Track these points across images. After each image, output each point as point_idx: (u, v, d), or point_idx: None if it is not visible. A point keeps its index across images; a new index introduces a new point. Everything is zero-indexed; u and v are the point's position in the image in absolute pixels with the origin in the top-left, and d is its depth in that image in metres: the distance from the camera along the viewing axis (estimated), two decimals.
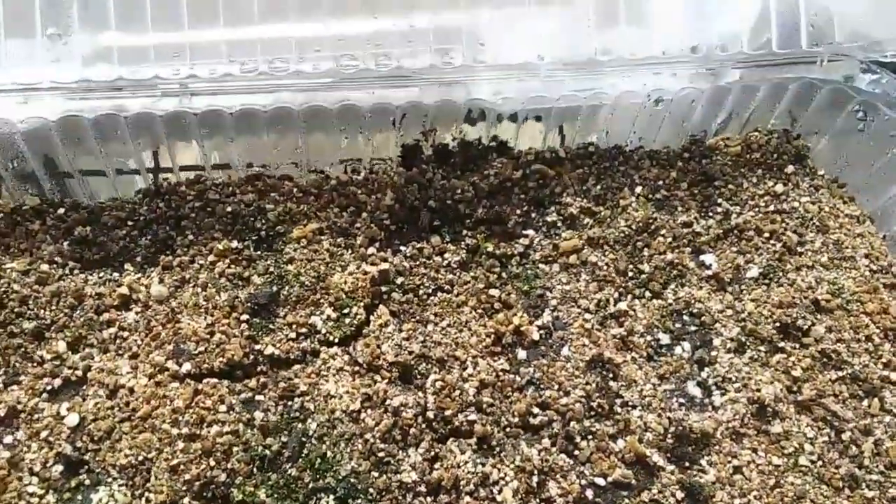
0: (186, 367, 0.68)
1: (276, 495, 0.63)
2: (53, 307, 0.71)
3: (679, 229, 0.83)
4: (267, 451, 0.65)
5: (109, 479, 0.62)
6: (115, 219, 0.78)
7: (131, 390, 0.67)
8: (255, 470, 0.64)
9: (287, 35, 0.74)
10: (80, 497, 0.62)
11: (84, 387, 0.68)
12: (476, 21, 0.78)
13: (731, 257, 0.83)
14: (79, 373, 0.68)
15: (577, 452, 0.69)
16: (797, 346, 0.78)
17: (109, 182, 0.83)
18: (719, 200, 0.86)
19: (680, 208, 0.86)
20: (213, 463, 0.63)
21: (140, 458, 0.63)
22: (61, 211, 0.78)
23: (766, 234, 0.84)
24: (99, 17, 0.72)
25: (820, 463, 0.71)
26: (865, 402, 0.74)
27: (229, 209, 0.78)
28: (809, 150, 0.91)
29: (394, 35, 0.76)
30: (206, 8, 0.73)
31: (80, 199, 0.81)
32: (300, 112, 0.77)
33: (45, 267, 0.73)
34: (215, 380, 0.68)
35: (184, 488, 0.62)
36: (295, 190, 0.81)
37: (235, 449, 0.64)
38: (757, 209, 0.86)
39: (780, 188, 0.87)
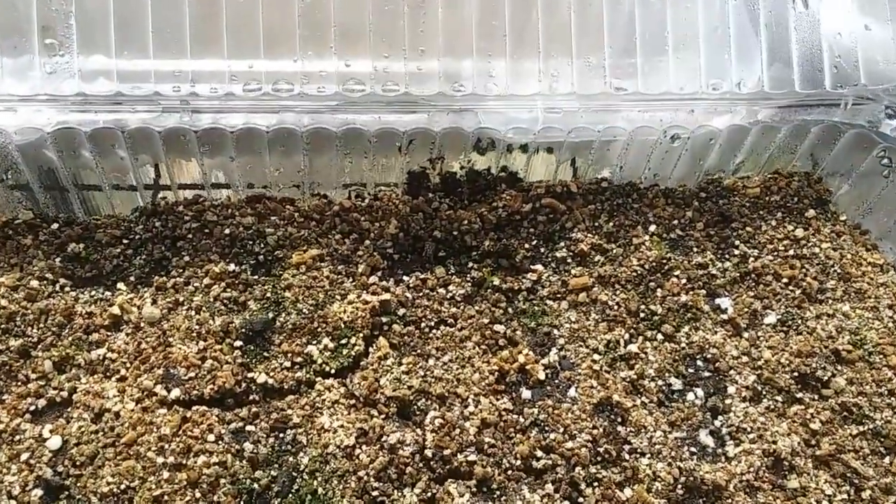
0: (175, 392, 0.69)
1: None
2: (41, 325, 0.72)
3: (694, 271, 0.84)
4: (255, 485, 0.65)
5: None
6: (110, 236, 0.79)
7: (117, 415, 0.67)
8: None
9: (292, 63, 0.77)
10: None
11: (69, 409, 0.68)
12: (489, 55, 0.80)
13: (747, 302, 0.83)
14: (64, 394, 0.69)
15: (581, 500, 0.69)
16: (816, 397, 0.78)
17: (106, 197, 0.85)
18: (736, 242, 0.87)
19: (695, 249, 0.87)
20: (198, 495, 0.63)
21: (123, 486, 0.63)
22: (55, 226, 0.79)
23: (785, 280, 0.85)
24: (99, 41, 0.75)
25: None
26: (887, 460, 0.74)
27: (227, 231, 0.79)
28: (831, 194, 0.92)
29: (402, 68, 0.79)
30: (209, 36, 0.76)
31: (75, 214, 0.82)
32: (303, 133, 0.78)
33: (34, 283, 0.74)
34: (205, 408, 0.68)
35: None
36: (296, 214, 0.82)
37: (223, 481, 0.64)
38: (776, 253, 0.87)
39: (800, 232, 0.88)
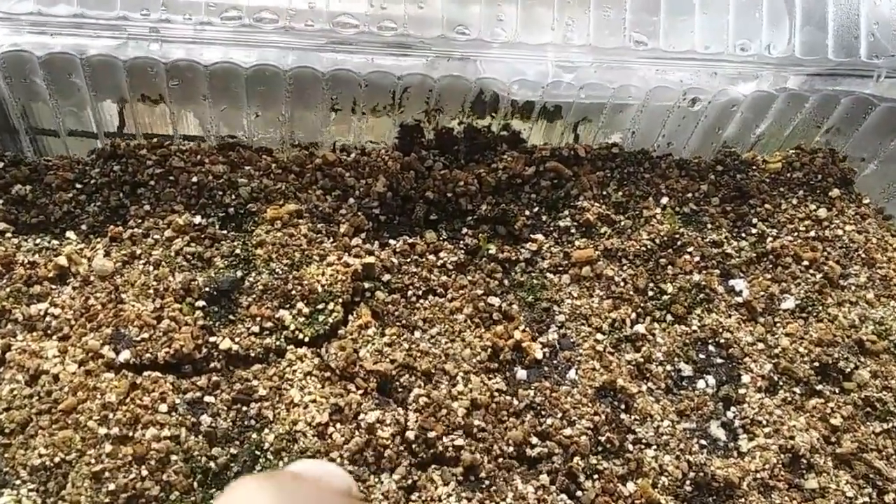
0: (125, 355, 0.60)
1: None
2: None
3: (708, 248, 0.77)
4: (212, 464, 0.57)
5: (17, 482, 0.54)
6: (62, 179, 0.70)
7: (56, 378, 0.59)
8: (195, 485, 0.56)
9: None
10: None
11: (1, 369, 0.59)
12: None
13: (764, 284, 0.76)
14: None
15: (579, 493, 0.62)
16: (837, 390, 0.71)
17: (62, 143, 0.76)
18: (754, 221, 0.80)
19: (710, 225, 0.79)
20: (144, 472, 0.55)
21: (57, 459, 0.55)
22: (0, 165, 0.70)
23: (806, 263, 0.78)
24: None
25: None
26: None
27: (195, 179, 0.70)
28: (856, 174, 0.85)
29: (402, 9, 0.70)
30: None
31: (24, 154, 0.73)
32: (286, 74, 0.70)
33: None
34: (158, 374, 0.60)
35: (106, 500, 0.53)
36: (273, 165, 0.73)
37: (174, 458, 0.56)
38: (796, 234, 0.80)
39: (822, 213, 0.81)
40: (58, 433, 0.56)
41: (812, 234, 0.80)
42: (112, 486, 0.54)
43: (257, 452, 0.58)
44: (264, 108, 0.74)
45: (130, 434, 0.56)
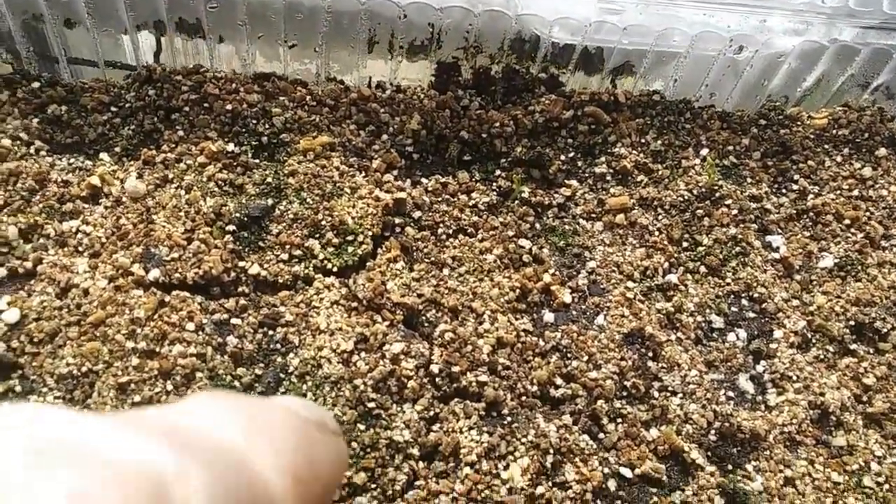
0: (154, 273, 0.61)
1: None
2: (9, 187, 0.63)
3: (746, 202, 0.75)
4: (236, 383, 0.57)
5: (45, 389, 0.55)
6: (97, 102, 0.70)
7: (86, 292, 0.59)
8: None
9: None
10: (6, 405, 0.54)
11: (32, 281, 0.60)
12: None
13: (802, 242, 0.74)
14: (28, 264, 0.60)
15: (602, 435, 0.61)
16: (872, 350, 0.69)
17: (100, 71, 0.75)
18: (796, 177, 0.78)
19: (750, 179, 0.77)
20: (169, 387, 0.55)
21: (84, 368, 0.55)
22: (36, 85, 0.70)
23: (847, 221, 0.76)
24: None
25: (887, 487, 0.63)
26: None
27: (229, 107, 0.70)
28: None
29: None
30: None
31: (60, 75, 0.73)
32: (325, 3, 0.69)
33: (6, 142, 0.66)
34: (186, 293, 0.60)
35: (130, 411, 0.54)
36: (308, 98, 0.73)
37: (199, 375, 0.57)
38: (839, 192, 0.78)
39: (867, 172, 0.78)
40: (86, 344, 0.56)
41: (855, 193, 0.78)
42: (137, 398, 0.54)
43: (282, 375, 0.58)
44: (301, 38, 0.73)
45: (157, 349, 0.57)
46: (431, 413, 0.59)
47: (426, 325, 0.64)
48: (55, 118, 0.69)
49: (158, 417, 0.28)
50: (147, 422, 0.26)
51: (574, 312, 0.68)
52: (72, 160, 0.68)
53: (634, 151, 0.76)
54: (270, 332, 0.60)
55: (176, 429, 0.26)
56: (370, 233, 0.67)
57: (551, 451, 0.59)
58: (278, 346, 0.60)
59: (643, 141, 0.77)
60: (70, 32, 0.73)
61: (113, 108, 0.70)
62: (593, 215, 0.74)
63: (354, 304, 0.63)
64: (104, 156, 0.68)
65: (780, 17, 0.74)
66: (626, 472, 0.60)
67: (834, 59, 0.78)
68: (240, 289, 0.63)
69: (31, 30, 0.71)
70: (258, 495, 0.26)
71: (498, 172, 0.74)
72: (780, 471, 0.62)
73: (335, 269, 0.65)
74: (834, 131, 0.80)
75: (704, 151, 0.77)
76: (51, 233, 0.62)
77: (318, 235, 0.66)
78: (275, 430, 0.29)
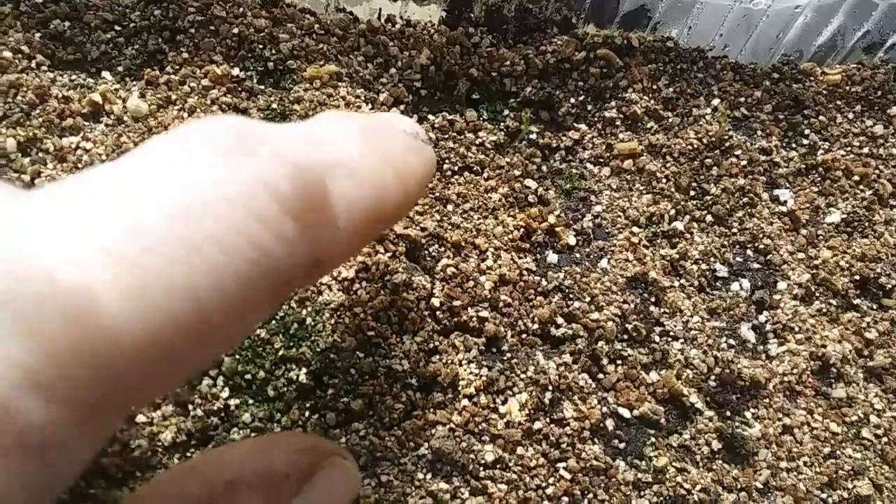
0: None
1: (237, 356, 0.54)
2: (8, 100, 0.62)
3: (756, 154, 0.74)
4: None
5: None
6: (101, 20, 0.68)
7: None
8: None
9: None
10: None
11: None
12: None
13: (810, 196, 0.73)
14: (26, 178, 0.59)
15: (601, 376, 0.61)
16: (875, 306, 0.69)
17: None
18: (806, 132, 0.77)
19: (760, 132, 0.76)
20: None
21: None
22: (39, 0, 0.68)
23: (856, 178, 0.75)
24: None
25: (885, 439, 0.62)
26: None
27: (236, 31, 0.68)
28: None
29: None
30: None
31: None
32: None
33: (7, 54, 0.64)
34: None
35: None
36: (316, 26, 0.71)
37: None
38: (849, 148, 0.76)
39: (879, 129, 0.77)
40: None
41: (866, 150, 0.76)
42: None
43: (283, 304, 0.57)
44: None
45: None
46: (431, 345, 0.58)
47: (428, 258, 0.63)
48: (58, 34, 0.67)
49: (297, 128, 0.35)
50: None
51: (578, 255, 0.67)
52: (73, 77, 0.66)
53: (645, 97, 0.74)
54: None
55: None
56: None
57: (550, 387, 0.58)
58: None
59: (655, 87, 0.75)
60: None
61: (117, 27, 0.68)
62: (601, 160, 0.72)
63: None
64: (106, 74, 0.67)
65: None
66: (625, 413, 0.59)
67: (851, 14, 0.76)
68: None
69: None
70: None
71: (506, 112, 0.73)
72: (779, 419, 0.62)
73: None
74: (847, 88, 0.79)
75: (716, 101, 0.76)
76: (50, 147, 0.61)
77: None
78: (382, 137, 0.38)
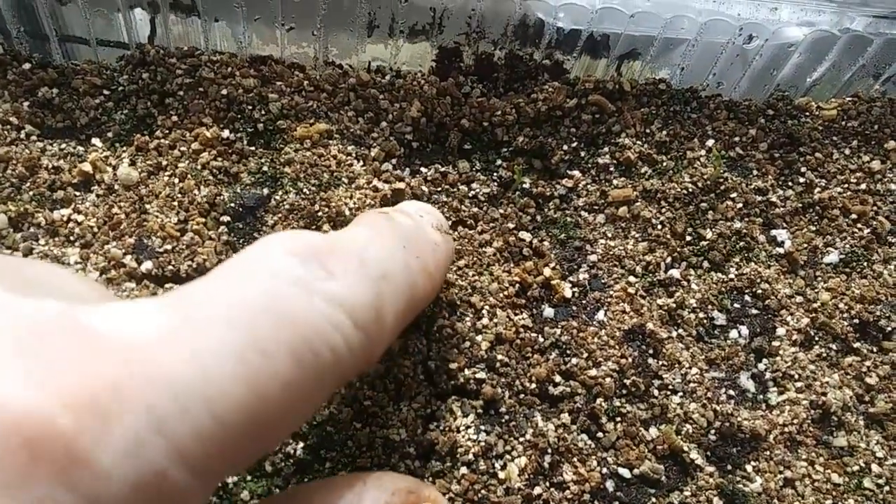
0: (147, 265, 0.59)
1: None
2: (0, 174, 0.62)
3: (752, 195, 0.74)
4: None
5: None
6: (90, 85, 0.68)
7: None
8: None
9: None
10: None
11: None
12: None
13: (807, 237, 0.73)
14: (18, 255, 0.59)
15: (600, 435, 0.61)
16: (875, 349, 0.69)
17: (92, 50, 0.74)
18: (802, 169, 0.76)
19: (756, 172, 0.76)
20: None
21: None
22: (27, 66, 0.68)
23: (854, 216, 0.74)
24: None
25: (888, 489, 0.62)
26: None
27: (225, 92, 0.68)
28: None
29: None
30: None
31: (52, 57, 0.71)
32: None
33: None
34: (180, 286, 0.59)
35: None
36: (306, 83, 0.71)
37: None
38: (846, 185, 0.76)
39: (876, 165, 0.77)
40: None
41: (863, 186, 0.76)
42: None
43: None
44: (299, 21, 0.71)
45: None
46: (428, 411, 0.59)
47: (423, 319, 0.63)
48: (46, 101, 0.67)
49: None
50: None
51: (574, 308, 0.67)
52: (63, 146, 0.66)
53: (639, 142, 0.74)
54: None
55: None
56: None
57: (549, 450, 0.58)
58: None
59: (648, 131, 0.75)
60: (62, 10, 0.71)
61: (105, 92, 0.69)
62: (595, 207, 0.72)
63: None
64: (96, 141, 0.67)
65: (791, 5, 0.72)
66: (625, 473, 0.59)
67: (846, 49, 0.76)
68: None
69: (23, 8, 0.69)
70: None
71: (499, 162, 0.73)
72: (780, 472, 0.62)
73: None
74: (843, 122, 0.79)
75: (710, 142, 0.76)
76: (41, 221, 0.61)
77: (314, 227, 0.64)
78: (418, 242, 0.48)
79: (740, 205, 0.73)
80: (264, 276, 0.35)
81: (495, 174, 0.72)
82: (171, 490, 0.29)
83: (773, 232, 0.74)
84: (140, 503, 0.28)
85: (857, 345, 0.68)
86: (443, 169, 0.71)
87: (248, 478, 0.54)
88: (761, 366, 0.67)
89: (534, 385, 0.61)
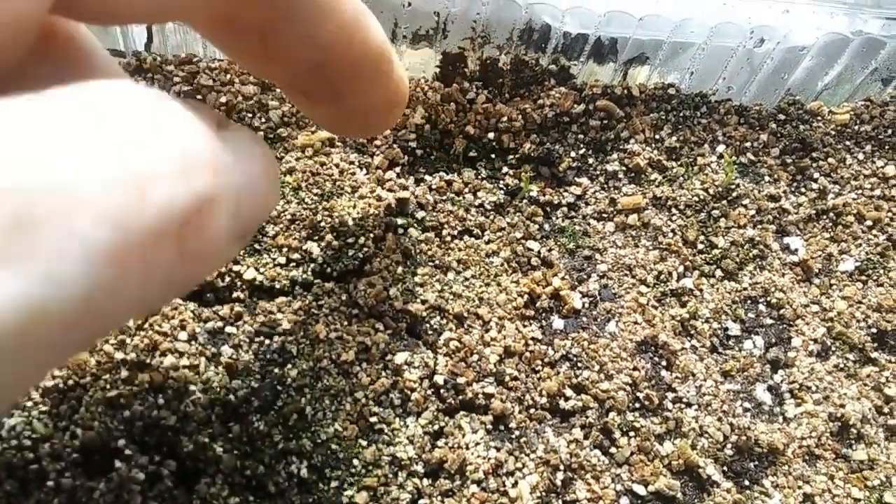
0: None
1: (235, 452, 0.53)
2: None
3: (764, 202, 0.73)
4: (231, 397, 0.55)
5: (29, 404, 0.52)
6: None
7: None
8: (213, 417, 0.54)
9: None
10: None
11: None
12: None
13: (822, 244, 0.72)
14: None
15: (613, 450, 0.59)
16: (894, 359, 0.67)
17: None
18: (815, 175, 0.75)
19: (768, 178, 0.75)
20: (161, 401, 0.53)
21: (71, 382, 0.53)
22: None
23: (869, 223, 0.73)
24: None
25: None
26: None
27: (223, 100, 0.67)
28: None
29: None
30: None
31: None
32: None
33: None
34: (178, 300, 0.58)
35: (120, 427, 0.52)
36: None
37: (192, 388, 0.54)
38: (860, 191, 0.75)
39: (890, 170, 0.76)
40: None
41: (877, 192, 0.75)
42: (127, 413, 0.52)
43: (279, 387, 0.56)
44: None
45: (148, 361, 0.54)
46: (436, 427, 0.57)
47: (430, 332, 0.61)
48: None
49: None
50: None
51: (584, 319, 0.65)
52: None
53: (648, 148, 0.73)
54: (267, 342, 0.58)
55: None
56: (371, 235, 0.64)
57: (561, 467, 0.57)
58: (275, 356, 0.57)
59: (657, 137, 0.74)
60: None
61: None
62: (605, 215, 0.71)
63: (355, 311, 0.60)
64: None
65: (802, 7, 0.71)
66: (640, 490, 0.58)
67: (858, 52, 0.75)
68: (234, 294, 0.60)
69: None
70: None
71: (505, 170, 0.71)
72: (799, 487, 0.60)
73: (335, 274, 0.62)
74: (856, 127, 0.77)
75: (721, 148, 0.75)
76: None
77: (316, 237, 0.63)
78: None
79: (753, 212, 0.72)
80: None
81: (501, 182, 0.71)
82: None
83: (787, 239, 0.72)
84: None
85: (874, 354, 0.67)
86: (448, 177, 0.70)
87: (251, 498, 0.52)
88: (777, 377, 0.65)
89: (544, 399, 0.60)
